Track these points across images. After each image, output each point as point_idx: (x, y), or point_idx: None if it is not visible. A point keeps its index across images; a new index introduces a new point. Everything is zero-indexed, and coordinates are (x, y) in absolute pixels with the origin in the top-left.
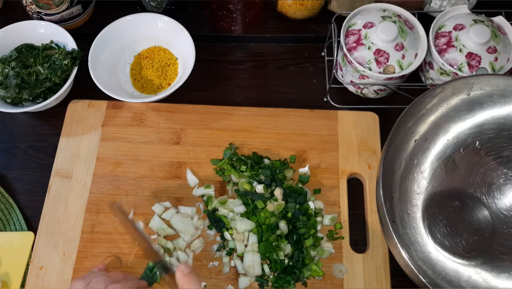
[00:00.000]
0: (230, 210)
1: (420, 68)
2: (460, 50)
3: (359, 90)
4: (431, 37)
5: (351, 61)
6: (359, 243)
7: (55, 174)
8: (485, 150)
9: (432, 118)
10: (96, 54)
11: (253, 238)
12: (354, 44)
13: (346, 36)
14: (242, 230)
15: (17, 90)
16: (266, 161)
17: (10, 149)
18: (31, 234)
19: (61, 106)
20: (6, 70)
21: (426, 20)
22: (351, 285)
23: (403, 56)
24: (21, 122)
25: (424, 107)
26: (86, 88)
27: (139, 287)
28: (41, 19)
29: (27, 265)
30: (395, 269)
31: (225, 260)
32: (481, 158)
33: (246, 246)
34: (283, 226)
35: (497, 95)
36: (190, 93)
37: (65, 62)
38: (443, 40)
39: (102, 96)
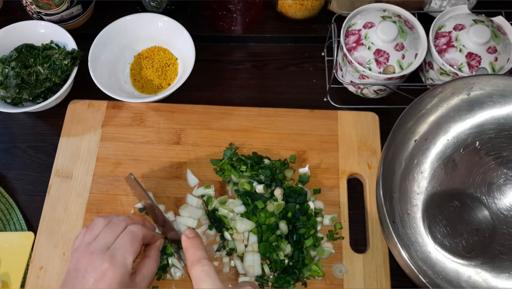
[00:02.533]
0: (230, 210)
1: (420, 68)
2: (460, 50)
3: (359, 90)
4: (431, 37)
5: (351, 61)
6: (359, 243)
7: (55, 174)
8: (485, 150)
9: (432, 118)
10: (96, 54)
11: (253, 238)
12: (354, 44)
13: (346, 36)
14: (242, 230)
15: (17, 90)
16: (266, 161)
17: (10, 149)
18: (31, 234)
19: (61, 106)
20: (6, 70)
21: (426, 20)
22: (351, 285)
23: (403, 56)
24: (21, 122)
25: (424, 107)
26: (86, 88)
27: (155, 236)
28: (41, 19)
29: (27, 265)
30: (395, 269)
31: (225, 260)
32: (481, 158)
33: (246, 246)
34: (283, 226)
35: (497, 95)
36: (190, 93)
37: (65, 62)
38: (443, 40)
39: (102, 96)
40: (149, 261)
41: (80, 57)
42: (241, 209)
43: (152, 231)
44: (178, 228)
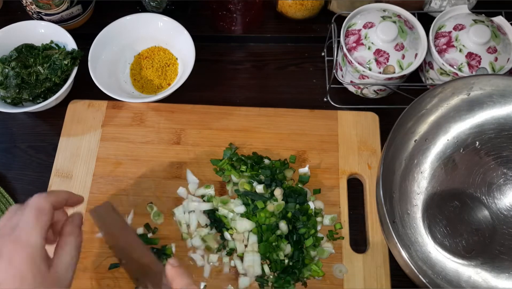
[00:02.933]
0: (230, 210)
1: (420, 68)
2: (460, 50)
3: (359, 90)
4: (431, 37)
5: (351, 61)
6: (359, 243)
7: (55, 174)
8: (485, 150)
9: (432, 118)
10: (96, 54)
11: (253, 238)
12: (354, 44)
13: (346, 36)
14: (242, 230)
15: (17, 90)
16: (266, 161)
17: (10, 149)
18: None
19: (61, 106)
20: (6, 70)
21: (426, 20)
22: (351, 285)
23: (403, 56)
24: (21, 122)
25: (424, 107)
26: (86, 88)
27: (70, 198)
28: (41, 19)
29: None
30: (395, 269)
31: (225, 260)
32: (481, 158)
33: (246, 246)
34: (283, 226)
35: (497, 95)
36: (190, 93)
37: (65, 62)
38: (443, 40)
39: (102, 96)
40: (65, 239)
41: (80, 57)
42: (241, 209)
43: (62, 192)
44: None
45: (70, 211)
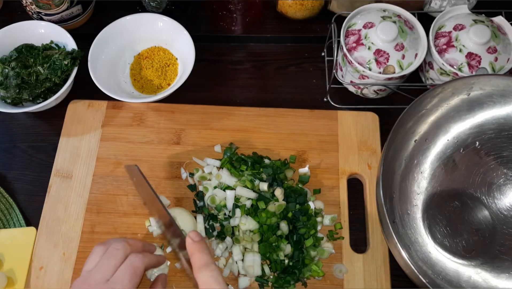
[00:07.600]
0: (224, 186)
1: (420, 68)
2: (460, 50)
3: (359, 90)
4: (431, 37)
5: (351, 61)
6: (359, 243)
7: (55, 174)
8: (485, 150)
9: (432, 118)
10: (96, 54)
11: (254, 238)
12: (354, 44)
13: (346, 36)
14: (245, 228)
15: (17, 90)
16: (266, 161)
17: (10, 149)
18: (32, 229)
19: (61, 106)
20: (6, 70)
21: (426, 20)
22: (351, 285)
23: (403, 56)
24: (21, 122)
25: (424, 107)
26: (86, 88)
27: (158, 262)
28: (41, 19)
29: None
30: (395, 269)
31: (225, 261)
32: (481, 158)
33: (245, 248)
34: (284, 226)
35: (497, 95)
36: (190, 93)
37: (65, 62)
38: (443, 40)
39: (102, 96)
40: None
41: (80, 57)
42: (229, 180)
43: (155, 256)
44: (179, 225)
45: None
